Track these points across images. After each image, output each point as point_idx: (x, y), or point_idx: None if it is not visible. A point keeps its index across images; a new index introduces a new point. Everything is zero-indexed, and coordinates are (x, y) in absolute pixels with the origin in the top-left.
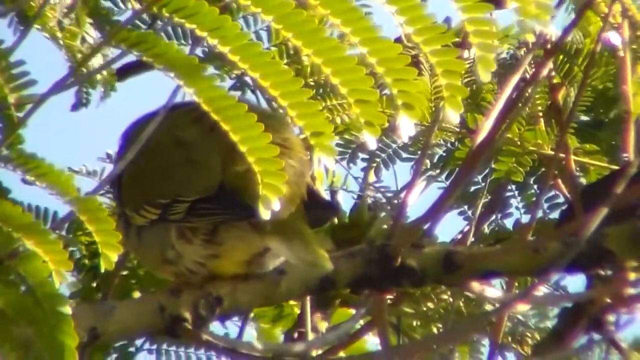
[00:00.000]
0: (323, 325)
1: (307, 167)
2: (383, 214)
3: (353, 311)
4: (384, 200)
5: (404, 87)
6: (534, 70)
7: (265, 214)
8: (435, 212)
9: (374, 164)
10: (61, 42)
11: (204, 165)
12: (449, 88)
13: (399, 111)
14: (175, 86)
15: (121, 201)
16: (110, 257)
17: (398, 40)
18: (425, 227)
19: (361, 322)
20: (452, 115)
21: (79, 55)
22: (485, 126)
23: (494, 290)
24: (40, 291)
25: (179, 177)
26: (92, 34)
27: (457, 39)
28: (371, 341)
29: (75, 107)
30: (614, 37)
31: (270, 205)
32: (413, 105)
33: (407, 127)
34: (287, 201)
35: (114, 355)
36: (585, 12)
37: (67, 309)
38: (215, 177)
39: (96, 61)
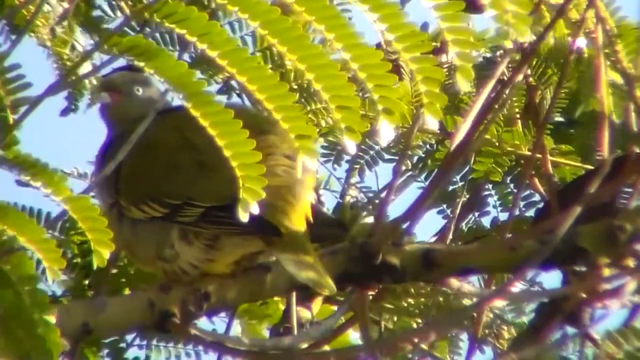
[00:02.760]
0: (306, 315)
1: (312, 181)
2: (365, 212)
3: (336, 308)
4: (365, 200)
5: (385, 93)
6: (511, 73)
7: (243, 217)
8: (414, 211)
9: (357, 166)
10: (51, 50)
11: (218, 172)
12: (429, 95)
13: (380, 116)
14: (164, 90)
15: (116, 191)
16: (102, 254)
17: (378, 46)
18: (405, 226)
19: (343, 317)
20: (432, 121)
21: (68, 63)
22: (463, 128)
23: (471, 286)
24: (29, 298)
25: (189, 179)
26: (81, 42)
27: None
28: (354, 335)
29: (65, 112)
30: (579, 41)
31: (249, 208)
32: (393, 110)
33: (387, 131)
34: (295, 217)
35: (106, 351)
36: (560, 18)
37: (52, 318)
38: (233, 186)
39: (85, 68)
